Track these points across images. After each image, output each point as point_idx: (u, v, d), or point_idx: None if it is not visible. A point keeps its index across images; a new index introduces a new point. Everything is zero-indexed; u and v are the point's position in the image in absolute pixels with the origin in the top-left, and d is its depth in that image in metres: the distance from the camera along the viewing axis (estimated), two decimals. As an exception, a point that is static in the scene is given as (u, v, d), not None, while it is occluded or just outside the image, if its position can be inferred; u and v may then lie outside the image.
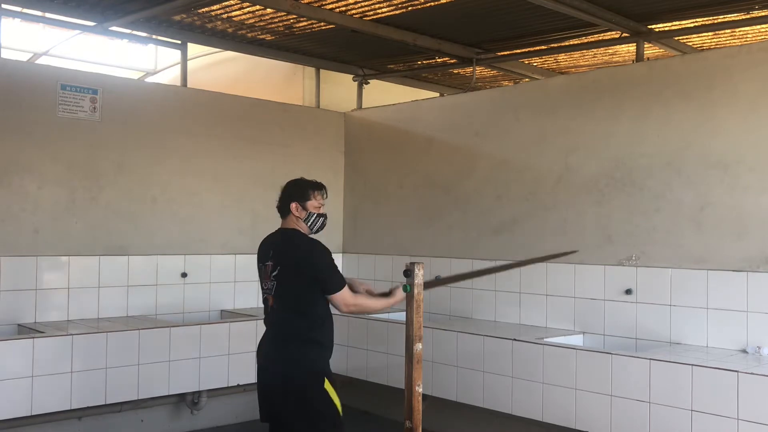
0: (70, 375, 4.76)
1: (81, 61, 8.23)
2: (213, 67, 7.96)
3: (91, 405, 4.93)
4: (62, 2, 5.41)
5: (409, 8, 5.40)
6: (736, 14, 5.24)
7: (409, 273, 3.27)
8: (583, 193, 5.36)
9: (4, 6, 5.50)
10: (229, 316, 6.14)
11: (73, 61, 8.13)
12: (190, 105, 6.24)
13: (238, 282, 6.43)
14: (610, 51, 6.45)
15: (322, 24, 5.79)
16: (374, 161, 6.98)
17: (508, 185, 5.85)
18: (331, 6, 5.41)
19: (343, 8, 5.44)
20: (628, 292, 5.04)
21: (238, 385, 5.71)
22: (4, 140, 5.22)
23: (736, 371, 3.91)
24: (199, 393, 5.56)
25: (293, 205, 3.69)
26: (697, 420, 4.02)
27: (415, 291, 3.25)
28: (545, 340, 4.89)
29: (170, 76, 8.19)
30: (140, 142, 5.88)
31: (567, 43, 6.13)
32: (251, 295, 6.50)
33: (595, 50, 6.41)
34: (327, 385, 3.53)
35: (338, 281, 3.57)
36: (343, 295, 3.57)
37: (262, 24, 5.94)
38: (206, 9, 5.54)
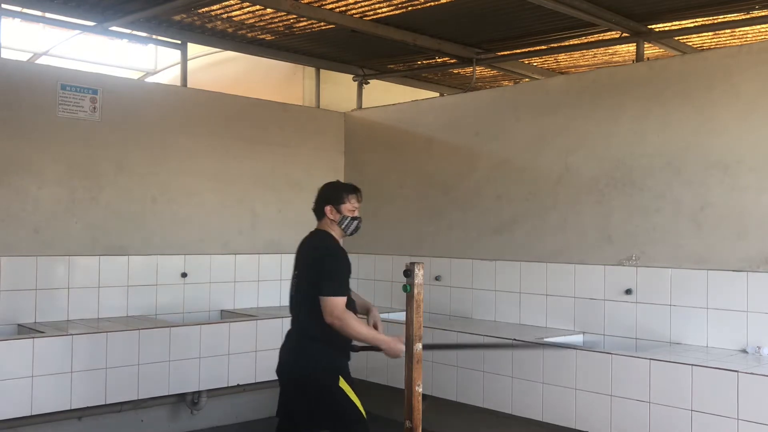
0: (70, 375, 4.75)
1: (81, 61, 8.24)
2: (213, 67, 7.96)
3: (91, 405, 4.92)
4: (62, 2, 5.40)
5: (409, 8, 5.39)
6: (736, 14, 5.23)
7: (409, 273, 3.27)
8: (583, 193, 5.36)
9: (4, 6, 5.50)
10: (229, 316, 6.14)
11: (73, 61, 8.13)
12: (190, 105, 6.24)
13: (238, 282, 6.43)
14: (610, 51, 6.45)
15: (322, 24, 5.79)
16: (374, 161, 6.98)
17: (508, 185, 5.85)
18: (331, 6, 5.41)
19: (343, 8, 5.44)
20: (628, 292, 5.04)
21: (238, 385, 5.71)
22: (4, 140, 5.22)
23: (736, 371, 3.91)
24: (199, 393, 5.55)
25: (328, 209, 3.73)
26: (697, 420, 4.02)
27: (415, 291, 3.25)
28: (545, 340, 4.89)
29: (170, 76, 8.19)
30: (140, 142, 5.88)
31: (567, 43, 6.13)
32: (251, 295, 6.51)
33: (595, 50, 6.41)
34: (342, 383, 3.52)
35: (334, 288, 3.54)
36: (333, 303, 3.51)
37: (262, 24, 5.94)
38: (206, 9, 5.54)
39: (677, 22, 5.46)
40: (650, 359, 4.24)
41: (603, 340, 5.18)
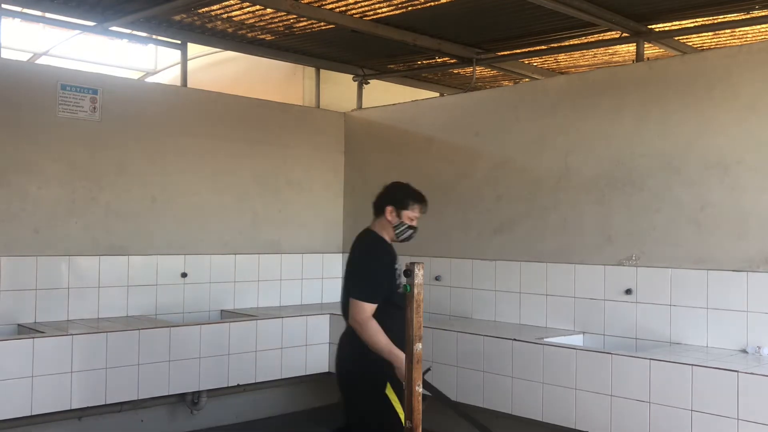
0: (70, 375, 4.75)
1: (81, 61, 8.24)
2: (213, 67, 7.96)
3: (91, 405, 4.92)
4: (62, 2, 5.40)
5: (409, 8, 5.39)
6: (736, 14, 5.23)
7: (409, 273, 3.26)
8: (583, 193, 5.36)
9: (4, 6, 5.50)
10: (229, 316, 6.14)
11: (73, 61, 8.13)
12: (190, 105, 6.24)
13: (238, 282, 6.43)
14: (610, 51, 6.45)
15: (322, 24, 5.79)
16: (374, 161, 6.98)
17: (508, 185, 5.85)
18: (331, 6, 5.41)
19: (343, 8, 5.44)
20: (628, 292, 5.04)
21: (238, 385, 5.71)
22: (4, 140, 5.22)
23: (736, 371, 3.91)
24: (199, 393, 5.55)
25: (389, 209, 3.67)
26: (697, 420, 4.02)
27: (415, 291, 3.24)
28: (545, 340, 4.89)
29: (170, 76, 8.19)
30: (140, 142, 5.88)
31: (567, 43, 6.13)
32: (251, 295, 6.51)
33: (595, 50, 6.41)
34: (389, 391, 3.36)
35: (363, 292, 3.44)
36: (358, 307, 3.43)
37: (262, 24, 5.94)
38: (206, 9, 5.54)
39: (677, 22, 5.46)
40: (650, 359, 4.24)
41: (603, 340, 5.18)
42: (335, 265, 7.08)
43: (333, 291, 7.08)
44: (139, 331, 5.10)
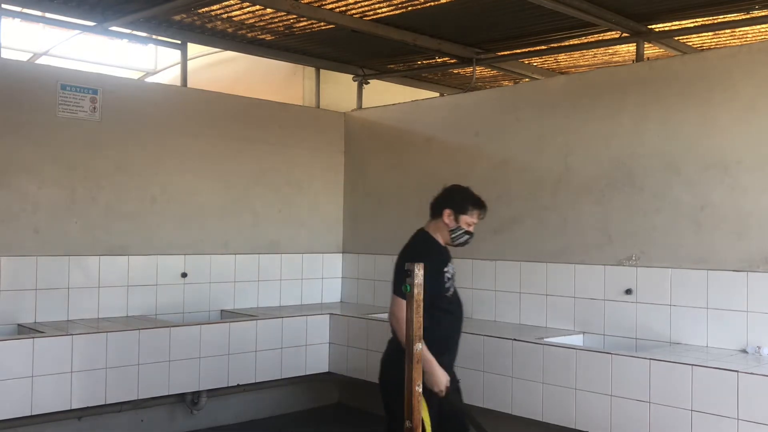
0: (70, 375, 4.75)
1: (81, 61, 8.24)
2: (213, 67, 7.96)
3: (91, 405, 4.92)
4: (62, 2, 5.40)
5: (409, 8, 5.39)
6: (736, 14, 5.23)
7: (409, 273, 3.27)
8: (583, 193, 5.36)
9: (4, 6, 5.50)
10: (229, 316, 6.14)
11: (73, 61, 8.13)
12: (190, 105, 6.24)
13: (238, 282, 6.43)
14: (610, 51, 6.45)
15: (322, 24, 5.79)
16: (374, 161, 6.98)
17: (508, 185, 5.84)
18: (331, 6, 5.41)
19: (343, 8, 5.44)
20: (628, 292, 5.04)
21: (238, 385, 5.71)
22: (4, 140, 5.22)
23: (736, 371, 3.91)
24: (199, 393, 5.56)
25: (447, 212, 3.63)
26: (697, 420, 4.02)
27: (415, 291, 3.24)
28: (545, 340, 4.89)
29: (170, 76, 8.19)
30: (140, 142, 5.88)
31: (567, 43, 6.13)
32: (251, 295, 6.51)
33: (595, 50, 6.41)
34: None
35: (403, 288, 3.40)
36: (397, 302, 3.40)
37: (262, 24, 5.94)
38: (206, 9, 5.54)
39: (677, 22, 5.46)
40: (650, 359, 4.24)
41: (603, 340, 5.18)
42: (335, 265, 7.08)
43: (333, 291, 7.09)
44: (139, 331, 5.10)
